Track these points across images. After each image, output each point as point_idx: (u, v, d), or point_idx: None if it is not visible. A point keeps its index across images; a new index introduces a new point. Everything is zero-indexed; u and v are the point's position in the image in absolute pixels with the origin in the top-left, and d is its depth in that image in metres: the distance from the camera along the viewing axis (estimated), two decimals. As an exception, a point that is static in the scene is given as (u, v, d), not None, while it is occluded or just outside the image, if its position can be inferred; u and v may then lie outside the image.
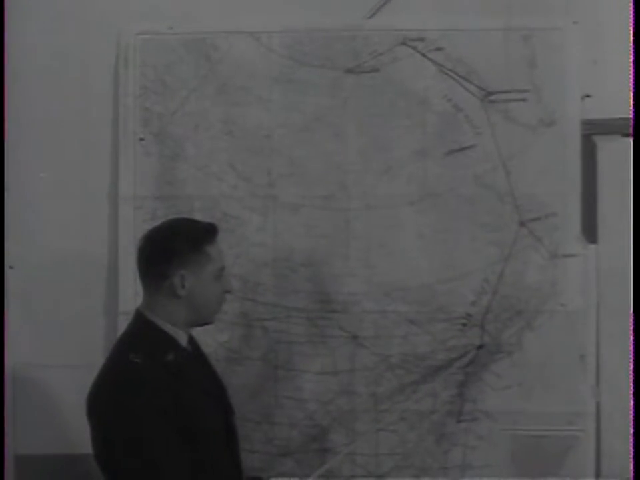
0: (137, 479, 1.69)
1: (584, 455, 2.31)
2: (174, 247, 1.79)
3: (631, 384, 2.03)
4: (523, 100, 2.32)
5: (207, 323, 1.90)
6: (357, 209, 2.35)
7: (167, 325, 1.81)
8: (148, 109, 2.37)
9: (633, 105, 2.16)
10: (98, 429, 1.74)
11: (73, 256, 2.39)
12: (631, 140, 2.21)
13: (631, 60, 2.21)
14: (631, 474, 1.95)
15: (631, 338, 2.05)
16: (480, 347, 2.31)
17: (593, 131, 2.32)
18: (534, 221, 2.31)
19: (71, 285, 2.40)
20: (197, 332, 1.96)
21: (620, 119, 2.28)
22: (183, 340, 1.84)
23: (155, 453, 1.68)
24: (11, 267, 2.41)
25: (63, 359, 2.39)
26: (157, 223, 1.96)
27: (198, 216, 2.20)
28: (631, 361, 2.07)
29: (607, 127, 2.31)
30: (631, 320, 2.07)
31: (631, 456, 1.95)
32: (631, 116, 2.17)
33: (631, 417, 2.00)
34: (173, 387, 1.73)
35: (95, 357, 2.36)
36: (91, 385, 1.79)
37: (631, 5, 2.26)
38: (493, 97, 2.33)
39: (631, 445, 1.97)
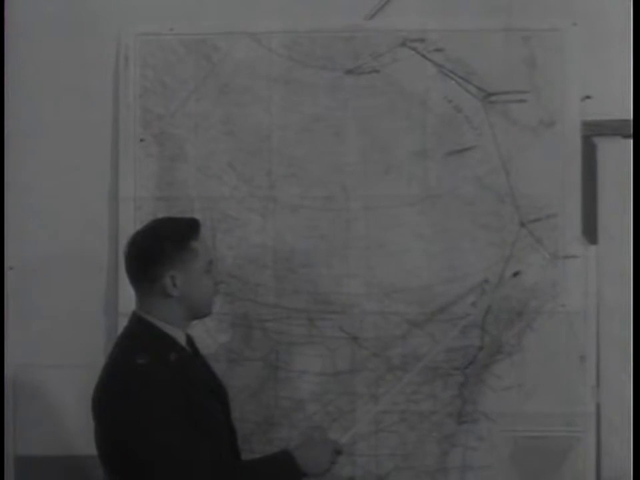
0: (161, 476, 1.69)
1: (584, 456, 2.30)
2: (159, 249, 1.78)
3: (631, 385, 2.03)
4: (523, 101, 2.32)
5: (204, 316, 1.91)
6: (356, 210, 2.35)
7: (167, 326, 1.81)
8: (148, 110, 2.37)
9: (633, 106, 2.16)
10: (111, 432, 1.72)
11: (73, 256, 2.39)
12: (631, 141, 2.21)
13: (631, 61, 2.21)
14: (631, 475, 1.95)
15: (631, 339, 2.05)
16: (480, 347, 2.31)
17: (593, 132, 2.32)
18: (534, 221, 2.31)
19: (71, 286, 2.39)
20: (198, 333, 1.97)
21: (620, 120, 2.28)
22: (182, 340, 1.85)
23: (180, 451, 1.68)
24: (11, 268, 2.41)
25: (63, 359, 2.39)
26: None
27: (198, 216, 2.20)
28: (631, 362, 2.07)
29: (607, 128, 2.31)
30: (631, 321, 2.08)
31: (631, 457, 1.95)
32: (631, 117, 2.17)
33: (631, 418, 2.01)
34: (182, 387, 1.73)
35: (95, 357, 2.35)
36: (97, 389, 1.79)
37: (631, 5, 2.26)
38: (493, 98, 2.33)
39: (631, 446, 1.97)
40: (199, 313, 1.87)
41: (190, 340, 1.91)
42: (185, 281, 1.79)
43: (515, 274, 2.25)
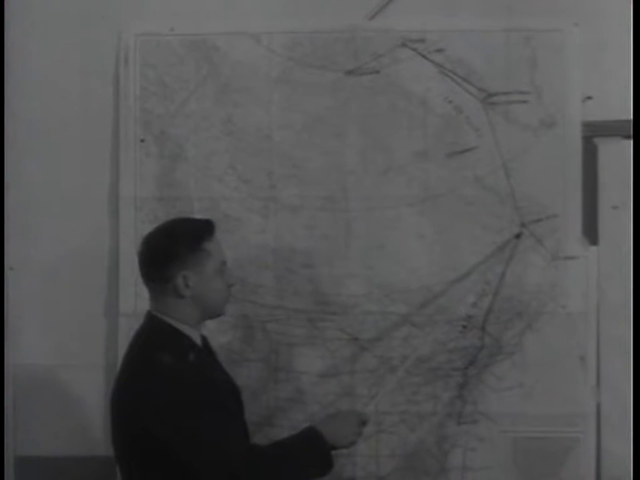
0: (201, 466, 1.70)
1: (584, 456, 2.31)
2: (173, 249, 1.79)
3: (631, 386, 2.03)
4: (524, 101, 2.32)
5: (217, 316, 1.93)
6: (357, 210, 2.35)
7: (183, 326, 1.83)
8: (148, 110, 2.37)
9: (634, 106, 2.16)
10: (139, 429, 1.71)
11: (74, 257, 2.39)
12: (631, 142, 2.21)
13: (632, 62, 2.21)
14: (631, 475, 1.96)
15: (631, 339, 2.05)
16: (480, 348, 2.31)
17: (593, 132, 2.32)
18: (535, 222, 2.31)
19: (72, 286, 2.39)
20: (198, 333, 1.97)
21: (621, 120, 2.28)
22: (197, 339, 1.86)
23: (215, 442, 1.70)
24: (11, 268, 2.41)
25: (63, 359, 2.39)
26: (157, 224, 1.98)
27: (198, 217, 2.20)
28: (631, 362, 2.07)
29: (608, 129, 2.31)
30: (631, 321, 2.08)
31: (631, 457, 1.95)
32: (632, 118, 2.17)
33: (631, 418, 2.01)
34: (204, 386, 1.75)
35: (95, 358, 2.37)
36: (122, 387, 1.79)
37: (631, 6, 2.26)
38: (493, 99, 2.33)
39: (631, 446, 1.97)
40: (211, 313, 1.88)
41: (204, 340, 1.92)
42: (198, 281, 1.80)
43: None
